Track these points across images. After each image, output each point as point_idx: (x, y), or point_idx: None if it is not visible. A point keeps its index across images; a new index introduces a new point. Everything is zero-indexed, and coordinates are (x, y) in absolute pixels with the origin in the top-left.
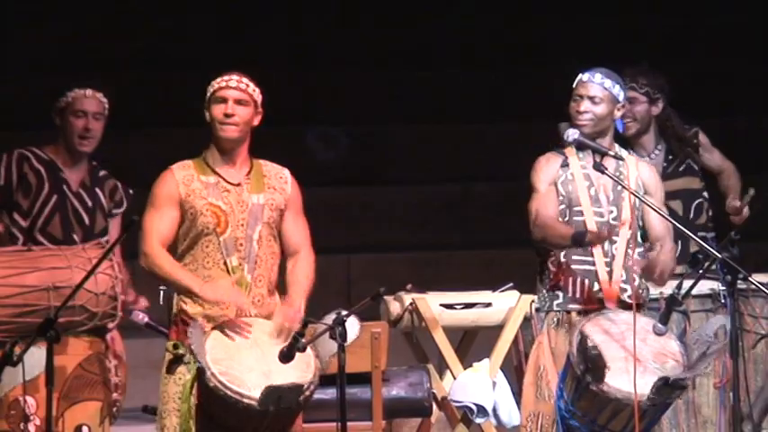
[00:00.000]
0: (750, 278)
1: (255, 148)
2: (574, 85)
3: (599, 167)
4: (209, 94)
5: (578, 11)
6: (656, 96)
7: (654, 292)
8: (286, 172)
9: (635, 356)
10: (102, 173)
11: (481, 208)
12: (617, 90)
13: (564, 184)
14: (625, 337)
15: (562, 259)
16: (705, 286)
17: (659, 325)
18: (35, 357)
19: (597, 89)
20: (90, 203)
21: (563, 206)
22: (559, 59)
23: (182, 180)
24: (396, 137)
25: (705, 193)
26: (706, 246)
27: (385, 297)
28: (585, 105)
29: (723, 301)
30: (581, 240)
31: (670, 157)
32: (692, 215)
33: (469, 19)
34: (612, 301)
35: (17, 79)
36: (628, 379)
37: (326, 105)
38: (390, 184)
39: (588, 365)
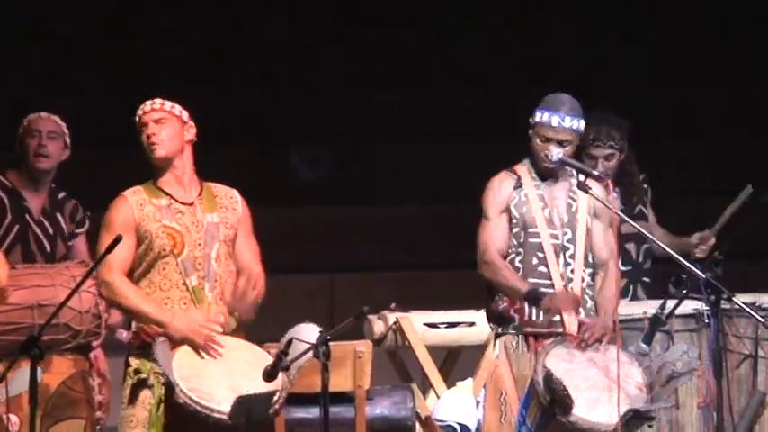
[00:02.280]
0: (734, 298)
1: (240, 168)
2: (538, 120)
3: (583, 187)
4: (136, 120)
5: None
6: (625, 145)
7: (638, 311)
8: (235, 192)
9: (618, 384)
10: (60, 195)
11: (465, 228)
12: (582, 124)
13: (517, 206)
14: (587, 366)
15: None
16: (689, 306)
17: (643, 345)
18: (19, 375)
19: (567, 134)
20: (51, 231)
21: (517, 229)
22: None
23: (135, 205)
24: (380, 157)
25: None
26: (690, 266)
27: (369, 316)
28: (555, 151)
29: (707, 321)
30: (535, 301)
31: (624, 200)
32: (641, 259)
33: (456, 39)
34: (570, 328)
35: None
36: (591, 408)
37: (311, 125)
38: (375, 205)
39: (555, 398)
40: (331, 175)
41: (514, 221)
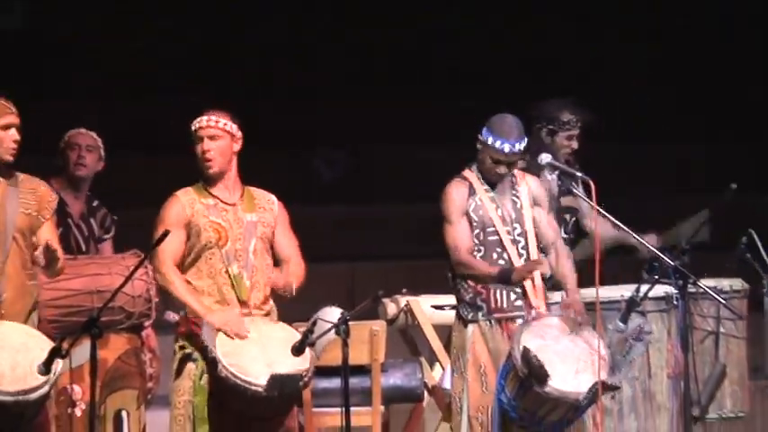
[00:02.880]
0: (699, 282)
1: (267, 172)
2: (489, 144)
3: (570, 190)
4: (194, 139)
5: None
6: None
7: (616, 294)
8: (272, 197)
9: (599, 355)
10: (95, 203)
11: None
12: (524, 143)
13: (475, 210)
14: (558, 340)
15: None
16: (660, 290)
17: (620, 323)
18: (80, 351)
19: (515, 156)
20: (86, 233)
21: (477, 230)
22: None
23: (186, 203)
24: (394, 159)
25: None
26: (662, 255)
27: (383, 299)
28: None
29: (675, 302)
30: (507, 279)
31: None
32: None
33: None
34: (537, 305)
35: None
36: (563, 380)
37: (331, 131)
38: (388, 203)
39: (531, 372)
40: (351, 177)
41: (474, 224)
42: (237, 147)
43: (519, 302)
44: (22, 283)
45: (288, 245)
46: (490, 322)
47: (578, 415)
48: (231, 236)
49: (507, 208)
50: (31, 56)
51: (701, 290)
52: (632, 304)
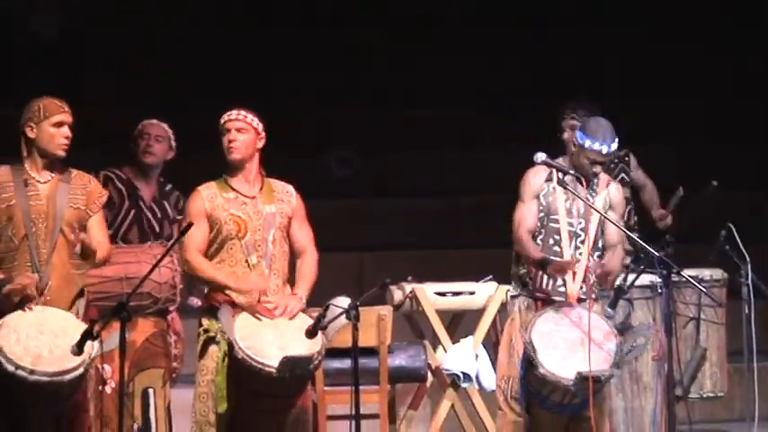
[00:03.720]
0: (681, 272)
1: (288, 169)
2: (587, 147)
3: (562, 183)
4: (219, 127)
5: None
6: None
7: None
8: (290, 188)
9: (590, 343)
10: (167, 187)
11: (467, 216)
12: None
13: (545, 196)
14: (570, 329)
15: None
16: (646, 279)
17: (608, 309)
18: (112, 337)
19: (610, 156)
20: (159, 215)
21: (542, 214)
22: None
23: (207, 198)
24: (399, 161)
25: (632, 203)
26: (648, 247)
27: (390, 286)
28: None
29: (660, 290)
30: (544, 267)
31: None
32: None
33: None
34: (573, 297)
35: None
36: (559, 365)
37: (342, 135)
38: (395, 197)
39: (528, 355)
40: (360, 174)
41: (541, 207)
42: (261, 143)
43: (562, 288)
44: (68, 273)
45: (303, 235)
46: (529, 302)
47: (581, 402)
48: (250, 227)
49: (578, 203)
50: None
51: (684, 279)
52: (620, 292)
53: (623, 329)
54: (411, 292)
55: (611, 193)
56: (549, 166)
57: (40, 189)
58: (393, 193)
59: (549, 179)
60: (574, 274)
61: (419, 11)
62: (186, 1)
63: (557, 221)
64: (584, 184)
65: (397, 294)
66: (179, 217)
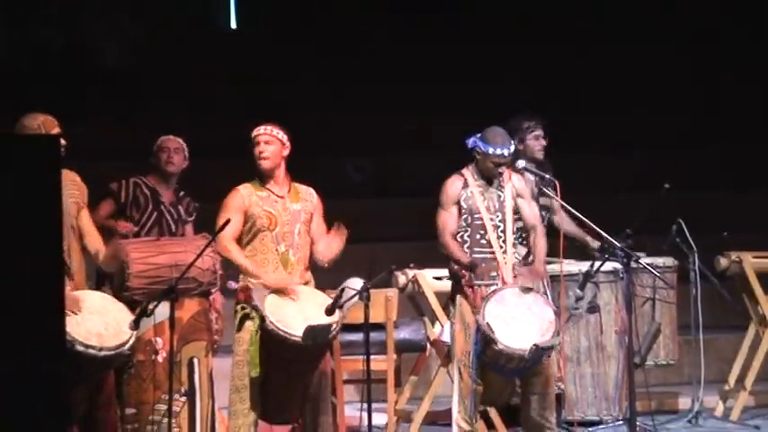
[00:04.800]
0: (639, 260)
1: (310, 174)
2: (490, 153)
3: (541, 190)
4: (252, 145)
5: None
6: (546, 134)
7: (575, 269)
8: (312, 190)
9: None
10: (181, 193)
11: None
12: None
13: (466, 200)
14: (516, 307)
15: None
16: (609, 265)
17: (578, 291)
18: (161, 310)
19: (509, 158)
20: (176, 217)
21: (466, 215)
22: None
23: (245, 195)
24: (405, 166)
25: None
26: (610, 238)
27: (395, 272)
28: (520, 161)
29: (621, 275)
30: (473, 269)
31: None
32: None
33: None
34: (507, 277)
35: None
36: (512, 339)
37: (358, 143)
38: (401, 197)
39: (486, 335)
40: (372, 178)
41: (464, 210)
42: (286, 152)
43: (494, 274)
44: (80, 260)
45: (320, 230)
46: (471, 289)
47: (533, 365)
48: (280, 222)
49: (493, 200)
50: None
51: (641, 266)
52: (588, 276)
53: (591, 308)
54: (413, 276)
55: (515, 183)
56: (528, 171)
57: None
58: (400, 194)
59: (465, 186)
60: (504, 258)
61: None
62: None
63: (480, 219)
64: (558, 186)
65: (402, 279)
66: (189, 219)
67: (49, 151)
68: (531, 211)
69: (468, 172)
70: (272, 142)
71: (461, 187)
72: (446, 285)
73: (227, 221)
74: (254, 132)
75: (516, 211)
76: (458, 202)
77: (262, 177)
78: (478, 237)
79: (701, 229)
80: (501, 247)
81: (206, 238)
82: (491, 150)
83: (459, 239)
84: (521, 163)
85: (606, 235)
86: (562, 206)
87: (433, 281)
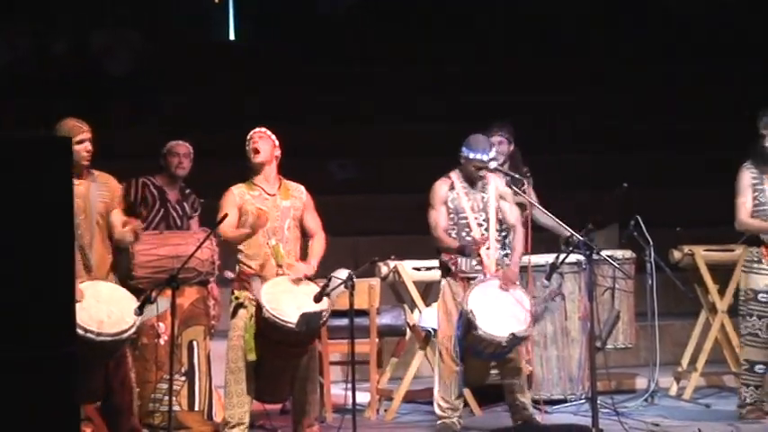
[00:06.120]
0: (600, 253)
1: (299, 174)
2: (472, 158)
3: (512, 187)
4: (247, 144)
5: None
6: (511, 140)
7: (542, 261)
8: (302, 188)
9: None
10: (187, 191)
11: None
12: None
13: (452, 201)
14: (497, 297)
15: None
16: (573, 257)
17: (545, 280)
18: (165, 302)
19: (489, 161)
20: (181, 213)
21: (452, 215)
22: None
23: (238, 194)
24: (386, 167)
25: None
26: (573, 232)
27: (378, 263)
28: (492, 164)
29: (584, 266)
30: (464, 252)
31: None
32: None
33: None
34: (490, 270)
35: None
36: (492, 326)
37: (342, 145)
38: (383, 194)
39: (469, 322)
40: (357, 176)
41: (450, 210)
42: (278, 152)
43: (478, 267)
44: (102, 254)
45: (313, 223)
46: (455, 280)
47: (509, 350)
48: (271, 217)
49: (477, 200)
50: None
51: (602, 258)
52: (553, 268)
53: (555, 296)
54: (394, 267)
55: (498, 184)
56: (499, 171)
57: (75, 191)
58: (382, 192)
59: (451, 188)
60: (487, 253)
61: None
62: None
63: (465, 218)
64: (527, 185)
65: (384, 269)
66: (195, 214)
67: (61, 153)
68: (512, 213)
69: (454, 175)
70: (266, 140)
71: (448, 189)
72: (424, 275)
73: (225, 216)
74: (251, 133)
75: (498, 212)
76: (445, 203)
77: (254, 175)
78: (464, 234)
79: (657, 224)
80: (485, 244)
81: (205, 231)
82: (471, 155)
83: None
84: (493, 164)
85: (571, 230)
86: (530, 203)
87: (412, 271)
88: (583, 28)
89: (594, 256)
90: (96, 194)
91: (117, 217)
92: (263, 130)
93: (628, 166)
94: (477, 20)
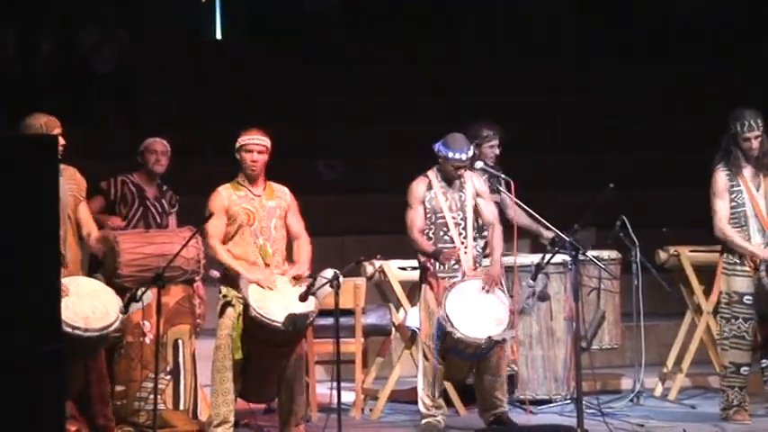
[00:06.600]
0: (585, 253)
1: (287, 174)
2: (450, 157)
3: (497, 190)
4: (239, 145)
5: None
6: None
7: (528, 261)
8: (285, 189)
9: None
10: (164, 188)
11: None
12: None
13: (430, 201)
14: (475, 298)
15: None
16: (559, 257)
17: (531, 281)
18: (149, 297)
19: (468, 161)
20: (160, 210)
21: (430, 214)
22: None
23: (225, 196)
24: (374, 167)
25: None
26: (559, 233)
27: (364, 263)
28: (477, 163)
29: (570, 266)
30: (437, 257)
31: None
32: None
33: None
34: (470, 269)
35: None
36: (470, 329)
37: (330, 145)
38: (369, 195)
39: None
40: (343, 176)
41: (428, 210)
42: (267, 158)
43: (456, 266)
44: (75, 249)
45: (297, 225)
46: (434, 279)
47: (488, 351)
48: (257, 217)
49: (455, 200)
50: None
51: (588, 258)
52: (539, 268)
53: (541, 297)
54: (380, 267)
55: (475, 184)
56: (486, 171)
57: None
58: (368, 192)
59: (429, 188)
60: (465, 251)
61: None
62: None
63: (443, 217)
64: (513, 185)
65: (369, 269)
66: (171, 211)
67: (48, 150)
68: (489, 210)
69: (432, 174)
70: (264, 152)
71: (425, 189)
72: (410, 275)
73: (211, 215)
74: (247, 139)
75: (476, 210)
76: (423, 202)
77: (244, 178)
78: (442, 233)
79: (643, 224)
80: (462, 242)
81: (191, 230)
82: (450, 154)
83: (425, 236)
84: (479, 163)
85: (557, 231)
86: (516, 203)
87: (397, 271)
88: (583, 28)
89: (580, 257)
90: (65, 189)
91: (84, 212)
92: (262, 139)
93: (628, 166)
94: (477, 20)
